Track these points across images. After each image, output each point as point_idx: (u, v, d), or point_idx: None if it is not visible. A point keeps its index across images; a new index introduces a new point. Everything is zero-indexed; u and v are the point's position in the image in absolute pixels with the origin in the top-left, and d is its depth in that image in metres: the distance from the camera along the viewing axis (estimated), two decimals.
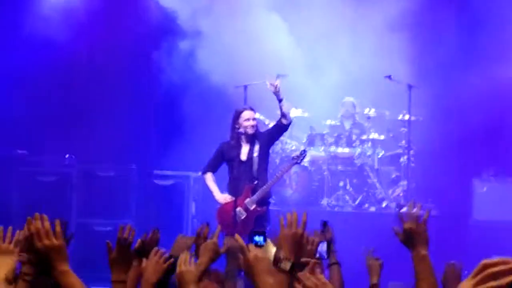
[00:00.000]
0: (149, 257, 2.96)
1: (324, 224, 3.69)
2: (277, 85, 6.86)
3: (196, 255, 3.42)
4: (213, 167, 7.19)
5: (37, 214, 2.21)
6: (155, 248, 3.02)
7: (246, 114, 7.05)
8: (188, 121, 9.92)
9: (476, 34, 9.81)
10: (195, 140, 9.58)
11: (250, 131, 7.00)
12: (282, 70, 9.37)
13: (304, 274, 2.10)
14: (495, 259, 1.22)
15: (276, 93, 6.85)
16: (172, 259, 2.98)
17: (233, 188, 7.02)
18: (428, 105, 9.80)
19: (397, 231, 2.86)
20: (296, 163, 7.21)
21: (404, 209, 9.13)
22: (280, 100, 6.87)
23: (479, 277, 1.21)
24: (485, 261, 1.23)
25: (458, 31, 9.83)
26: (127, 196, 8.81)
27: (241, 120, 7.05)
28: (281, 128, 7.11)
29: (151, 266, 2.92)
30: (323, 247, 3.36)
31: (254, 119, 7.09)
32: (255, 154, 7.03)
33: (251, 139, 7.09)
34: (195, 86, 9.90)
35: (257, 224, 6.84)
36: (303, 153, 7.22)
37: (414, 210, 2.85)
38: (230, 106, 7.57)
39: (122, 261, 3.09)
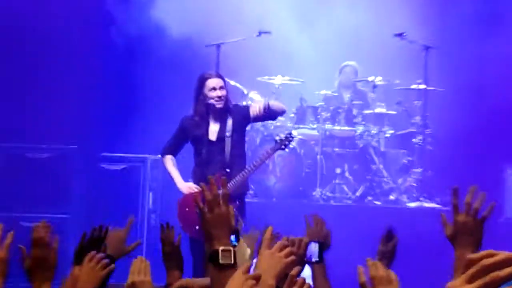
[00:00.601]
0: (84, 263, 2.99)
1: (389, 233, 3.63)
2: (261, 108, 6.88)
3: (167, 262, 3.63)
4: (173, 148, 7.14)
5: None
6: (91, 252, 3.04)
7: (212, 82, 6.93)
8: (144, 90, 9.92)
9: None
10: (153, 115, 9.63)
11: (218, 104, 6.92)
12: (265, 25, 9.45)
13: None
14: (480, 253, 1.33)
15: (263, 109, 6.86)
16: (112, 266, 3.03)
17: (199, 175, 6.91)
18: (449, 72, 9.87)
19: (444, 221, 2.86)
20: (280, 148, 7.09)
21: (421, 204, 9.05)
22: (265, 110, 6.88)
23: (469, 273, 1.32)
24: (470, 256, 1.33)
25: None
26: (66, 184, 8.71)
27: (205, 89, 6.94)
28: (268, 117, 7.08)
29: (86, 274, 2.95)
30: (314, 248, 3.47)
31: (222, 88, 6.99)
32: (228, 134, 6.96)
33: (221, 114, 7.00)
34: (154, 45, 9.90)
35: None
36: (290, 136, 7.10)
37: (474, 201, 2.75)
38: (198, 71, 7.44)
39: (41, 270, 3.05)
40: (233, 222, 2.63)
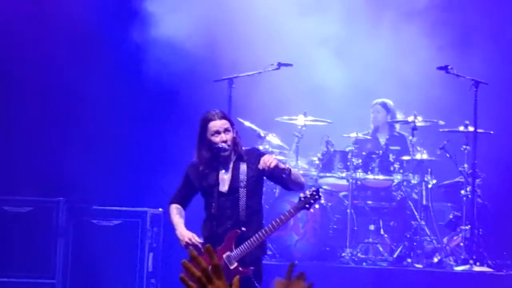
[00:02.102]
0: None
1: None
2: (271, 164, 6.56)
3: None
4: (180, 198, 7.00)
5: None
6: None
7: (215, 125, 6.77)
8: (144, 132, 9.95)
9: None
10: (153, 162, 9.75)
11: (222, 152, 6.72)
12: (286, 57, 9.52)
13: None
14: None
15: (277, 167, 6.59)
16: None
17: (209, 231, 6.77)
18: (502, 112, 9.94)
19: None
20: (304, 208, 6.84)
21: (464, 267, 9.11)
22: (284, 175, 6.61)
23: None
24: None
25: None
26: (50, 243, 8.75)
27: (208, 134, 6.79)
28: (282, 183, 6.84)
29: None
30: None
31: (228, 130, 6.77)
32: (242, 184, 6.75)
33: (231, 160, 6.82)
34: (152, 81, 10.10)
35: None
36: (317, 194, 6.83)
37: None
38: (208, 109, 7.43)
39: None
40: None
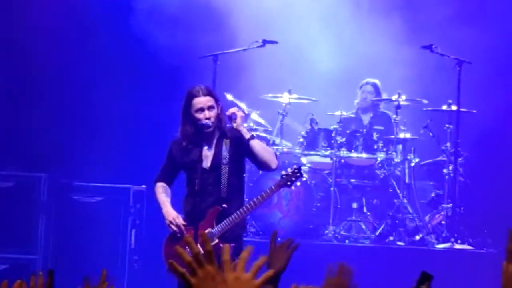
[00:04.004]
0: None
1: (425, 278, 3.31)
2: (233, 114, 6.69)
3: None
4: (165, 176, 6.99)
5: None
6: None
7: (199, 101, 6.74)
8: (128, 109, 9.88)
9: None
10: (137, 137, 9.69)
11: (206, 128, 6.73)
12: (270, 34, 9.45)
13: None
14: None
15: (240, 124, 6.70)
16: None
17: (191, 207, 6.77)
18: (485, 91, 9.80)
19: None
20: (286, 185, 6.87)
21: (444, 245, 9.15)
22: (249, 141, 6.68)
23: None
24: None
25: None
26: (33, 219, 8.70)
27: (192, 110, 6.76)
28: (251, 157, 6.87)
29: None
30: None
31: (212, 107, 6.75)
32: (224, 161, 6.75)
33: (215, 138, 6.81)
34: (144, 58, 10.04)
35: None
36: (298, 172, 6.86)
37: None
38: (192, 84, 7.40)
39: None
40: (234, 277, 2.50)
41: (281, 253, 3.76)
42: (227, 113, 6.70)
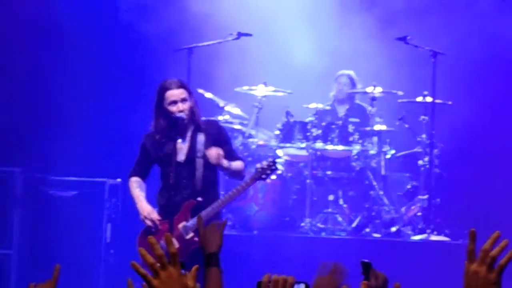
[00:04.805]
0: None
1: (366, 267, 3.53)
2: (219, 156, 6.75)
3: None
4: (139, 170, 6.99)
5: None
6: None
7: (172, 94, 6.73)
8: (102, 103, 9.85)
9: None
10: (112, 131, 9.64)
11: (180, 121, 6.72)
12: (245, 26, 9.45)
13: None
14: None
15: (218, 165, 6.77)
16: None
17: (165, 201, 6.80)
18: (460, 82, 9.89)
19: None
20: (261, 178, 6.88)
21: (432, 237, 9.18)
22: (223, 171, 6.87)
23: None
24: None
25: None
26: (6, 213, 8.66)
27: (165, 103, 6.75)
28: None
29: None
30: None
31: (185, 100, 6.74)
32: (198, 154, 6.76)
33: (190, 130, 6.81)
34: (118, 51, 10.01)
35: (194, 261, 6.11)
36: (273, 165, 6.87)
37: (493, 246, 2.69)
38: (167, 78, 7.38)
39: None
40: (190, 284, 2.54)
41: (212, 233, 3.85)
42: (210, 157, 6.69)
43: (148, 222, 6.69)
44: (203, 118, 6.88)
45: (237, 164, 6.79)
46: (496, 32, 9.91)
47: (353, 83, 10.02)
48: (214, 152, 6.67)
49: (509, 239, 2.65)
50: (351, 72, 10.02)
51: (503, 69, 9.93)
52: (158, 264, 2.47)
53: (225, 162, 6.66)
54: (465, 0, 10.19)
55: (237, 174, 6.81)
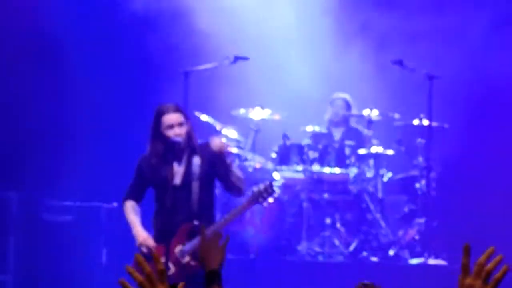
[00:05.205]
0: None
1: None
2: (223, 145, 6.78)
3: None
4: (134, 194, 6.97)
5: None
6: None
7: (168, 118, 6.74)
8: (98, 126, 9.90)
9: None
10: (109, 155, 9.64)
11: (176, 145, 6.70)
12: (242, 49, 9.45)
13: None
14: None
15: (221, 157, 6.70)
16: None
17: (160, 225, 6.78)
18: (456, 106, 9.91)
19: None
20: (257, 202, 6.85)
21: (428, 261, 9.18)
22: (227, 170, 6.72)
23: None
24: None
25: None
26: (2, 238, 8.69)
27: (162, 127, 6.76)
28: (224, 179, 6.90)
29: None
30: None
31: (182, 124, 6.75)
32: (194, 178, 6.73)
33: (186, 154, 6.79)
34: (114, 75, 10.02)
35: (191, 285, 6.36)
36: (270, 188, 6.85)
37: (488, 262, 2.73)
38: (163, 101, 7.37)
39: None
40: None
41: (214, 248, 3.73)
42: (214, 146, 6.68)
43: (144, 249, 6.69)
44: (200, 141, 6.86)
45: (239, 171, 6.82)
46: (489, 55, 9.97)
47: (348, 106, 10.01)
48: (218, 140, 6.71)
49: (506, 258, 2.73)
50: (346, 95, 10.02)
51: (499, 92, 9.96)
52: (148, 282, 2.49)
53: (228, 157, 6.70)
54: (459, 25, 10.23)
55: (237, 180, 6.73)
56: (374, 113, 9.68)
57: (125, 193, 6.95)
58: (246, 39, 10.06)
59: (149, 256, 6.62)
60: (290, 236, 9.43)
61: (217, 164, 6.73)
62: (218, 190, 7.70)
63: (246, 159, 9.55)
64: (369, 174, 9.64)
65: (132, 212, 6.85)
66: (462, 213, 9.66)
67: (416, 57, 9.72)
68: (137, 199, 6.90)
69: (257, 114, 9.53)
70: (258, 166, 9.57)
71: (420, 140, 9.59)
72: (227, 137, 9.52)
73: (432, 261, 9.09)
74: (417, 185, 9.56)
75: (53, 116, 9.73)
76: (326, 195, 9.57)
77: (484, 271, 2.66)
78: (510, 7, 10.08)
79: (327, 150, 9.62)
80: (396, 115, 9.73)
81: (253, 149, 9.69)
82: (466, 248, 2.71)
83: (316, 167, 9.55)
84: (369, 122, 9.74)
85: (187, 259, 6.61)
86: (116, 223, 8.66)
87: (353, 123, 10.11)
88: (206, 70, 9.18)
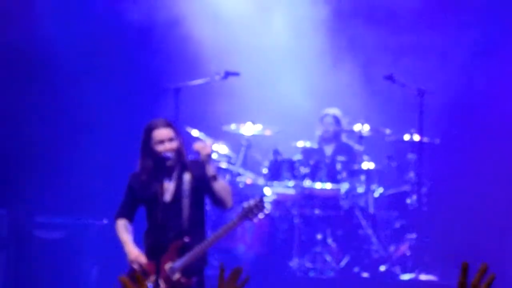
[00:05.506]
0: None
1: None
2: (206, 147, 6.69)
3: None
4: (126, 212, 6.89)
5: None
6: None
7: (159, 134, 6.69)
8: (87, 143, 9.83)
9: None
10: (99, 172, 9.61)
11: (166, 161, 6.65)
12: (234, 65, 9.49)
13: None
14: None
15: (206, 161, 6.63)
16: None
17: (152, 242, 6.71)
18: (448, 121, 10.01)
19: None
20: (248, 218, 6.76)
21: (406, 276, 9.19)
22: (210, 179, 6.64)
23: None
24: None
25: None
26: None
27: (152, 143, 6.71)
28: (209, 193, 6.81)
29: None
30: None
31: (172, 139, 6.70)
32: (185, 194, 6.68)
33: (176, 170, 6.74)
34: (106, 90, 9.97)
35: None
36: (261, 205, 6.77)
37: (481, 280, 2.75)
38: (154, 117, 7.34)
39: None
40: None
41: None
42: (194, 148, 6.66)
43: (136, 266, 6.65)
44: (190, 157, 6.83)
45: (224, 184, 6.74)
46: (479, 70, 10.00)
47: (338, 122, 9.99)
48: (201, 144, 6.67)
49: (499, 275, 2.70)
50: (336, 111, 9.99)
51: (489, 107, 9.96)
52: None
53: (209, 166, 6.59)
54: (449, 40, 10.26)
55: (223, 190, 6.68)
56: (365, 129, 9.70)
57: (116, 211, 6.92)
58: (237, 55, 10.07)
59: (141, 273, 6.58)
60: (281, 252, 9.43)
61: (206, 178, 6.69)
62: (208, 207, 7.67)
63: (237, 175, 9.56)
64: (360, 190, 9.65)
65: (124, 230, 6.80)
66: (454, 229, 9.64)
67: (406, 72, 9.73)
68: (129, 217, 6.85)
69: (248, 129, 9.54)
70: (249, 181, 9.58)
71: (411, 155, 9.61)
72: (218, 152, 9.54)
73: (423, 277, 9.09)
74: (408, 201, 9.58)
75: (44, 133, 9.69)
76: (317, 211, 9.57)
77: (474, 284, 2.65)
78: (498, 22, 10.09)
79: (319, 165, 9.62)
80: (387, 131, 9.74)
81: (244, 164, 9.68)
82: (464, 266, 2.70)
83: (307, 183, 9.55)
84: (360, 138, 9.75)
85: (177, 276, 6.55)
86: (106, 240, 8.60)
87: (344, 138, 10.10)
88: (197, 86, 9.19)
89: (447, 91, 9.90)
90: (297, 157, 9.69)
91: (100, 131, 9.78)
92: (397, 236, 9.65)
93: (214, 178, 6.58)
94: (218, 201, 6.67)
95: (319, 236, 9.46)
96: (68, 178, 9.59)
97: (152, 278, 6.58)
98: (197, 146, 6.67)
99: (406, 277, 9.14)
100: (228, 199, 6.71)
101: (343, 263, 9.37)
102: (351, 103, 10.13)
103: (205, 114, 9.77)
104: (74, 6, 9.96)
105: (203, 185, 6.67)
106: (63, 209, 9.16)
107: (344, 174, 9.61)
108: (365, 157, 9.77)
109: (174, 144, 6.58)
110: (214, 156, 9.42)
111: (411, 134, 9.52)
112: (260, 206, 6.70)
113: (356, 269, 9.33)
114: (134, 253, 6.64)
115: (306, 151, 9.81)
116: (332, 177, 9.61)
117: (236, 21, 10.26)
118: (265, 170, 9.65)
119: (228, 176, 9.48)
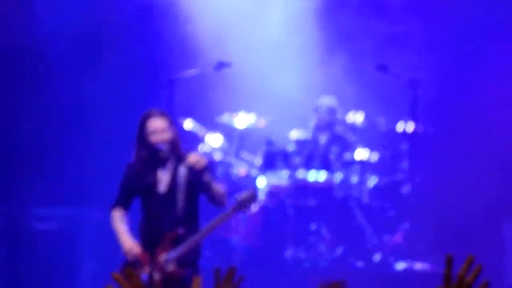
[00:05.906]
0: None
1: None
2: (201, 161, 6.65)
3: None
4: (122, 202, 6.87)
5: None
6: None
7: (153, 123, 6.68)
8: (83, 133, 9.83)
9: None
10: (94, 163, 9.58)
11: (160, 151, 6.63)
12: (226, 55, 9.48)
13: None
14: None
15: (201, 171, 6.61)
16: None
17: (147, 233, 6.73)
18: (441, 111, 9.98)
19: None
20: (240, 210, 6.76)
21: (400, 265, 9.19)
22: (209, 183, 6.63)
23: None
24: None
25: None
26: None
27: (147, 132, 6.70)
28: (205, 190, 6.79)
29: None
30: None
31: (166, 130, 6.68)
32: (180, 185, 6.68)
33: (171, 161, 6.72)
34: (99, 84, 9.89)
35: None
36: (254, 195, 6.76)
37: (468, 271, 2.77)
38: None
39: None
40: None
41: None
42: (189, 162, 6.61)
43: (130, 257, 6.66)
44: (186, 150, 6.81)
45: (219, 186, 6.76)
46: (473, 60, 10.01)
47: (332, 112, 9.95)
48: (194, 157, 6.62)
49: (489, 264, 2.72)
50: (331, 101, 9.97)
51: (483, 97, 9.97)
52: None
53: (210, 171, 6.65)
54: (444, 29, 10.25)
55: (218, 195, 6.69)
56: (359, 118, 9.70)
57: (112, 203, 6.89)
58: (230, 45, 10.05)
59: (137, 263, 6.61)
60: (275, 243, 9.43)
61: (201, 175, 6.69)
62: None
63: (230, 165, 9.56)
64: (354, 180, 9.65)
65: (119, 220, 6.78)
66: (447, 218, 9.62)
67: (400, 62, 9.74)
68: (124, 208, 6.84)
69: (242, 119, 9.54)
70: (242, 172, 9.58)
71: (404, 145, 9.61)
72: (211, 143, 9.54)
73: (417, 266, 9.12)
74: (402, 190, 9.60)
75: (38, 124, 9.68)
76: (311, 201, 9.57)
77: (465, 285, 2.69)
78: (490, 11, 10.08)
79: (312, 155, 9.63)
80: (381, 120, 9.74)
81: (238, 154, 9.68)
82: (448, 259, 2.74)
83: (301, 173, 9.56)
84: (354, 128, 9.75)
85: (172, 267, 6.57)
86: (102, 231, 8.52)
87: (338, 128, 10.05)
88: (190, 77, 9.20)
89: (439, 80, 9.92)
90: (291, 147, 9.70)
91: (95, 123, 9.77)
92: (391, 225, 9.66)
93: (210, 184, 6.59)
94: (212, 202, 6.72)
95: (313, 226, 9.47)
96: (63, 169, 9.56)
97: (147, 268, 6.62)
98: (191, 160, 6.62)
99: (400, 266, 9.17)
100: (223, 201, 6.74)
101: (337, 253, 9.37)
102: (345, 93, 10.12)
103: (199, 104, 9.75)
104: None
105: (198, 181, 6.66)
106: (58, 200, 9.15)
107: (338, 164, 9.61)
108: (359, 147, 9.76)
109: (167, 135, 6.57)
110: (207, 147, 9.45)
111: (405, 124, 9.53)
112: (252, 198, 6.70)
113: (350, 259, 9.33)
114: (129, 243, 6.63)
115: (300, 141, 9.82)
116: (326, 167, 9.61)
117: (230, 13, 10.24)
118: (258, 160, 9.66)
119: (221, 167, 9.49)
